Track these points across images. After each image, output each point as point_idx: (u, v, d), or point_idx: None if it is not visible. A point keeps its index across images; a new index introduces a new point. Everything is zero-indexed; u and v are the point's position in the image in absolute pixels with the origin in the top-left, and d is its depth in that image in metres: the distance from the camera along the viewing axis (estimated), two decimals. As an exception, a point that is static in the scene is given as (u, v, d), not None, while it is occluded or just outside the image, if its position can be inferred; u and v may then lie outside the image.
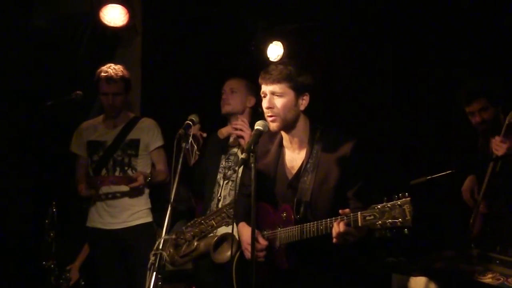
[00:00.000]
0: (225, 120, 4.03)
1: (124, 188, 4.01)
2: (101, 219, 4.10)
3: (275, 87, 2.83)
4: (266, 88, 2.87)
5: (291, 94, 2.84)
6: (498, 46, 4.48)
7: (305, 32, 5.54)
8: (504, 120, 3.55)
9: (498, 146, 3.42)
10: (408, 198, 2.31)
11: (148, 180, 4.01)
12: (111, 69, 4.05)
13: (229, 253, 3.33)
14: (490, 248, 3.22)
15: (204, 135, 3.79)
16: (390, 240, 2.44)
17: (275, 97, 2.84)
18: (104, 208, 4.10)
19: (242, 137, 3.62)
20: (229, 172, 3.86)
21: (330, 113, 5.10)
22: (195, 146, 3.41)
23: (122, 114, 4.20)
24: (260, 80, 2.91)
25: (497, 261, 3.07)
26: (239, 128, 3.64)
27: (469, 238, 3.65)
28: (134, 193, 4.07)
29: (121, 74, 4.06)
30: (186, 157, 3.40)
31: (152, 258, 2.92)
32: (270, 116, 2.85)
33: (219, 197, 3.84)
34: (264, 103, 2.88)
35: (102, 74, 4.03)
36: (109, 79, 4.02)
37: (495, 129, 3.66)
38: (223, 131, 3.93)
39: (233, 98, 3.93)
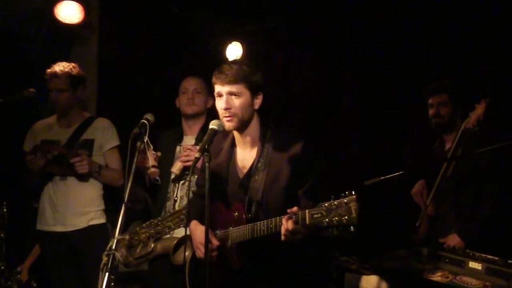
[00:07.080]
0: (180, 118, 4.00)
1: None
2: (52, 221, 4.00)
3: (232, 88, 2.80)
4: (222, 89, 2.83)
5: (247, 94, 2.83)
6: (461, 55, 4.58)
7: (264, 33, 5.55)
8: (460, 126, 3.66)
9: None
10: (354, 196, 2.32)
11: (97, 170, 3.95)
12: (58, 66, 4.02)
13: (187, 253, 3.31)
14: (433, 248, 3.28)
15: (159, 154, 3.75)
16: (341, 239, 2.45)
17: (232, 97, 2.82)
18: (55, 209, 4.00)
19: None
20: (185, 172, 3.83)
21: (287, 113, 5.12)
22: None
23: (76, 113, 4.13)
24: (214, 80, 2.86)
25: (446, 260, 3.11)
26: (187, 160, 3.66)
27: (414, 239, 3.75)
28: (81, 178, 3.98)
29: (66, 70, 4.01)
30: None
31: (104, 258, 2.88)
32: (227, 117, 2.82)
33: (175, 198, 3.81)
34: (221, 104, 2.83)
35: (48, 70, 4.01)
36: (53, 75, 3.99)
37: (448, 129, 3.83)
38: (175, 170, 3.80)
39: (199, 98, 3.91)
